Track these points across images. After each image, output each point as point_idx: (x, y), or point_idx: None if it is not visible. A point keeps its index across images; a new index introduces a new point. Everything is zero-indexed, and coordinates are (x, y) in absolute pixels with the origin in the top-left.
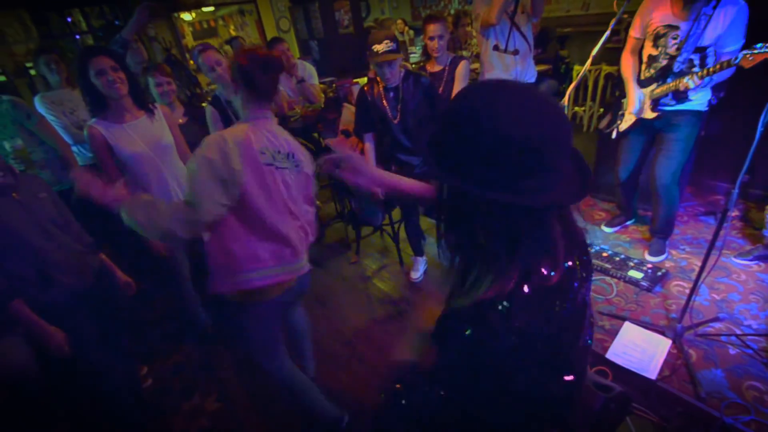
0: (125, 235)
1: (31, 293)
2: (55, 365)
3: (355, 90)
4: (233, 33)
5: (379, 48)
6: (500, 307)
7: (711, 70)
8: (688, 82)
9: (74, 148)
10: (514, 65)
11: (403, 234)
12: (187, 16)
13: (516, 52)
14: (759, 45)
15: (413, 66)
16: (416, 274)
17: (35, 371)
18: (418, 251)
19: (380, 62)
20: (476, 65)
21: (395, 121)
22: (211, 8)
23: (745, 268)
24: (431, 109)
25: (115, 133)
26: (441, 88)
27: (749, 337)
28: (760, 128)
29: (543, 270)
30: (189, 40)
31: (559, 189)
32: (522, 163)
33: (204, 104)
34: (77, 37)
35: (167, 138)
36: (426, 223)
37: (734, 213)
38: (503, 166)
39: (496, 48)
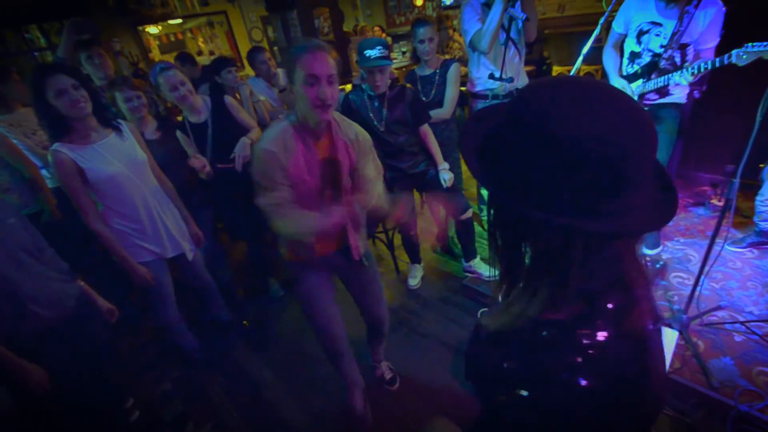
0: (104, 258)
1: (4, 328)
2: (36, 404)
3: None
4: (202, 46)
5: (372, 54)
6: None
7: (705, 67)
8: (682, 78)
9: (44, 171)
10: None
11: (397, 241)
12: (153, 30)
13: (511, 80)
14: (750, 45)
15: (400, 71)
16: (414, 281)
17: (15, 414)
18: (415, 258)
19: (373, 69)
20: (465, 69)
21: (381, 129)
22: (179, 21)
23: (739, 255)
24: (414, 118)
25: (85, 155)
26: (433, 91)
27: (753, 323)
28: (759, 117)
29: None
30: (156, 54)
31: (641, 212)
32: (600, 181)
33: (180, 118)
34: (35, 54)
35: (141, 154)
36: (419, 228)
37: (722, 202)
38: (576, 185)
39: (491, 77)
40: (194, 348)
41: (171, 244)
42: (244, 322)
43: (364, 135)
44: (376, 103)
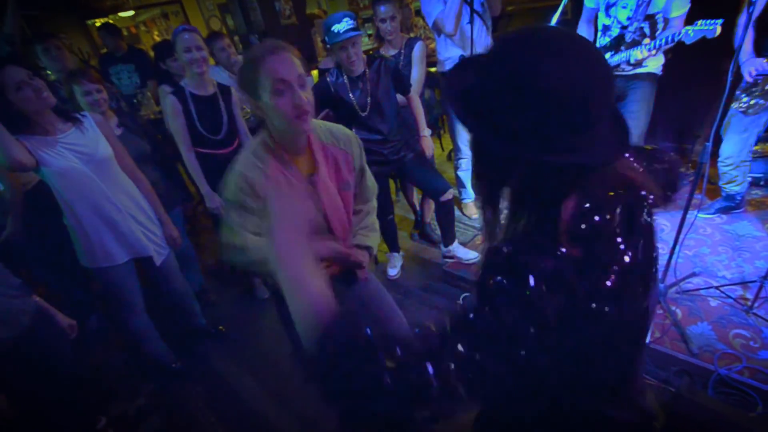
0: (64, 270)
1: None
2: None
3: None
4: (157, 39)
5: (340, 28)
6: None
7: (658, 44)
8: (640, 52)
9: None
10: None
11: None
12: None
13: None
14: (698, 22)
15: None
16: (393, 271)
17: None
18: (394, 247)
19: (345, 44)
20: (433, 45)
21: (364, 114)
22: (130, 13)
23: (709, 222)
24: (399, 88)
25: (44, 148)
26: None
27: (726, 287)
28: (728, 85)
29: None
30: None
31: (602, 145)
32: (569, 119)
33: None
34: None
35: (104, 149)
36: (396, 216)
37: (690, 170)
38: (549, 124)
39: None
40: (169, 358)
41: (137, 246)
42: (220, 328)
43: (345, 132)
44: (360, 84)
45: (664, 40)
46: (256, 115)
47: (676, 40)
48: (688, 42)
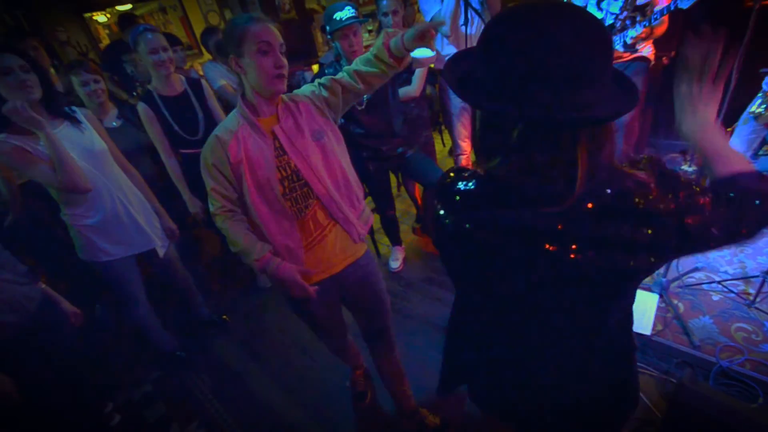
0: (68, 259)
1: None
2: (6, 416)
3: (308, 76)
4: None
5: (342, 15)
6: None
7: (655, 18)
8: (634, 31)
9: None
10: None
11: (376, 224)
12: (101, 18)
13: None
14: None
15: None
16: (395, 264)
17: None
18: (396, 240)
19: (347, 32)
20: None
21: (361, 107)
22: (128, 6)
23: None
24: (393, 84)
25: (36, 146)
26: None
27: (728, 281)
28: (733, 80)
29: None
30: (107, 44)
31: (608, 102)
32: (570, 79)
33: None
34: None
35: (99, 144)
36: (398, 210)
37: (692, 168)
38: (546, 84)
39: None
40: (173, 347)
41: (140, 239)
42: (224, 317)
43: (302, 89)
44: None
45: (660, 13)
46: (236, 74)
47: (672, 8)
48: (685, 7)
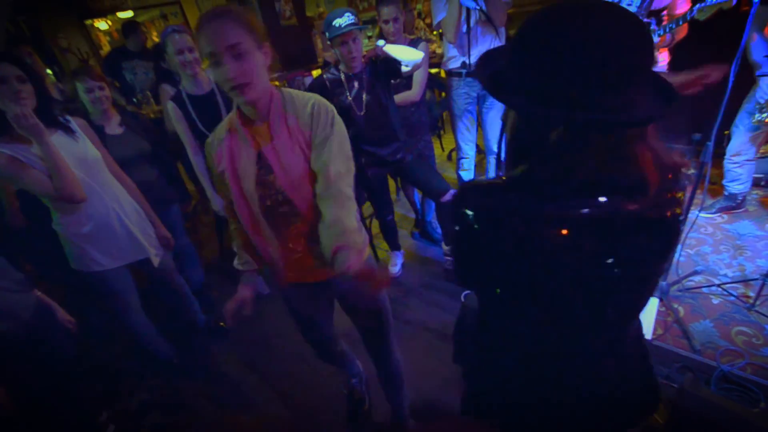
0: (62, 266)
1: None
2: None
3: (308, 82)
4: (156, 40)
5: (341, 22)
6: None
7: (670, 27)
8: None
9: None
10: None
11: (375, 229)
12: (102, 25)
13: None
14: None
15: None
16: (395, 269)
17: None
18: (394, 245)
19: (346, 39)
20: (433, 46)
21: (360, 113)
22: (129, 13)
23: (710, 221)
24: (389, 74)
25: (28, 155)
26: None
27: (728, 285)
28: (730, 84)
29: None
30: (107, 51)
31: (643, 105)
32: (607, 80)
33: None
34: None
35: (93, 152)
36: (397, 215)
37: (690, 171)
38: (581, 85)
39: (463, 66)
40: (169, 354)
41: (133, 248)
42: (221, 324)
43: (324, 104)
44: (355, 83)
45: (675, 23)
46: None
47: (688, 19)
48: (702, 19)
